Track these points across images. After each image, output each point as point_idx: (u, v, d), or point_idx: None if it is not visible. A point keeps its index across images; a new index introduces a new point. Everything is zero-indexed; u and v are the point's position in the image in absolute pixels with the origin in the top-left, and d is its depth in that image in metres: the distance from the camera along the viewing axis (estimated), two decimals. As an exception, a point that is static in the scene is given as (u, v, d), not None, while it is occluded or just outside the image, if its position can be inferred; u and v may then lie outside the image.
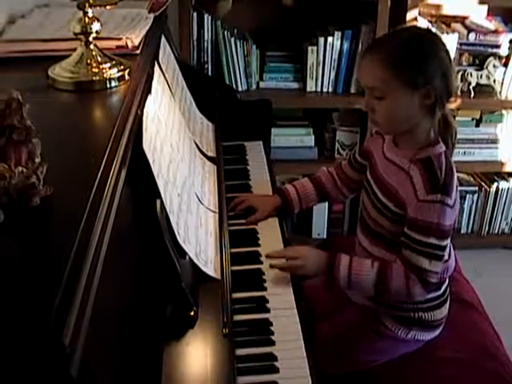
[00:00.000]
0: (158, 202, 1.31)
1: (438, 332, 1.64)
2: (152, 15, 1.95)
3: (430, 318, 1.59)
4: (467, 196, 3.12)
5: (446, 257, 1.49)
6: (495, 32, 2.85)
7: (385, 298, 1.52)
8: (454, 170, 1.47)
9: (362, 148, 1.75)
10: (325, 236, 3.11)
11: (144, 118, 1.38)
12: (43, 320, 0.74)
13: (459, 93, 2.87)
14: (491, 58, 2.88)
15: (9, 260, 0.87)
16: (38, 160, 1.02)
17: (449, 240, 1.47)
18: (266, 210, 1.75)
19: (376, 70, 1.44)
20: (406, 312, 1.58)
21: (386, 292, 1.47)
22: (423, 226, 1.43)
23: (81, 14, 1.49)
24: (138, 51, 1.69)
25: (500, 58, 2.89)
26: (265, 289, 1.48)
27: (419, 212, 1.43)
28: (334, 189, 1.80)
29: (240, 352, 1.28)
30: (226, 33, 2.73)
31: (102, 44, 1.57)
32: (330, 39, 2.76)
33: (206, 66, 2.77)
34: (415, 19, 2.72)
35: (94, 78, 1.49)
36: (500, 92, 2.93)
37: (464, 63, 2.91)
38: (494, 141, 3.05)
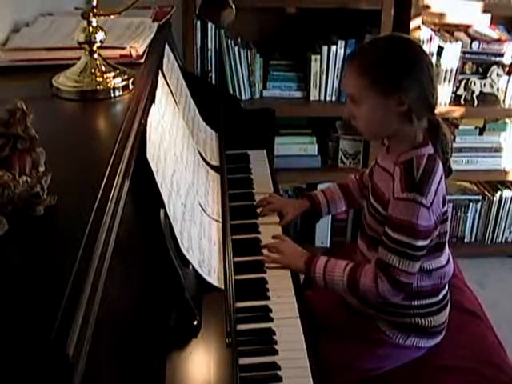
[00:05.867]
0: (162, 211, 1.31)
1: (438, 339, 1.63)
2: (156, 24, 1.95)
3: (428, 324, 1.59)
4: (471, 204, 3.11)
5: (438, 261, 1.53)
6: (498, 40, 2.86)
7: (358, 295, 1.55)
8: (437, 174, 1.47)
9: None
10: (328, 244, 3.11)
11: (148, 127, 1.39)
12: (47, 330, 0.73)
13: (462, 101, 2.88)
14: (494, 67, 2.88)
15: (13, 269, 0.87)
16: (42, 169, 1.02)
17: (427, 241, 1.46)
18: (294, 213, 1.85)
19: (354, 77, 1.50)
20: (403, 317, 1.58)
21: (357, 290, 1.51)
22: (396, 223, 1.45)
23: (85, 23, 1.49)
24: (142, 60, 1.70)
25: (503, 66, 2.89)
26: (268, 298, 1.48)
27: (394, 209, 1.46)
28: (360, 195, 1.85)
29: (243, 361, 1.28)
30: (229, 41, 2.74)
31: (105, 53, 1.57)
32: (333, 48, 2.76)
33: (210, 74, 2.77)
34: (418, 28, 2.72)
35: (97, 88, 1.49)
36: (503, 100, 2.92)
37: (467, 72, 2.92)
38: (498, 149, 3.04)
